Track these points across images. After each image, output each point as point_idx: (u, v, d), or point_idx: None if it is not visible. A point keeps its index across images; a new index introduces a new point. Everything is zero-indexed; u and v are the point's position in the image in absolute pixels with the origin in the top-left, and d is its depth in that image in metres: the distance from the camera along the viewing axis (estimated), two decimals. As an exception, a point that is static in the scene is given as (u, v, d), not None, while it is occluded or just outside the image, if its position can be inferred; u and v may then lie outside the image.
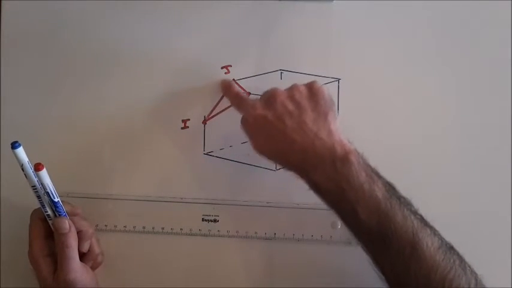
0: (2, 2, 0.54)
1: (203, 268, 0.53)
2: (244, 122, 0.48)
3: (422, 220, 0.43)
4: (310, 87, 0.47)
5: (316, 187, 0.45)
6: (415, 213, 0.43)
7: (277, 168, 0.53)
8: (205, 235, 0.53)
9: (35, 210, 0.48)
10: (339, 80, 0.54)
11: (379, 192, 0.43)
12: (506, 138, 0.54)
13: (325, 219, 0.52)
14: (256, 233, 0.53)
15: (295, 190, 0.53)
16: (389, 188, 0.44)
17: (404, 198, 0.44)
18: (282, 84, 0.50)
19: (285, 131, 0.44)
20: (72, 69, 0.54)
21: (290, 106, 0.45)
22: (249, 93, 0.54)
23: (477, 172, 0.53)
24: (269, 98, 0.46)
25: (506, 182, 0.53)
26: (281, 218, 0.53)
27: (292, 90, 0.47)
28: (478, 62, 0.54)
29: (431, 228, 0.43)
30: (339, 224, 0.52)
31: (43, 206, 0.46)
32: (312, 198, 0.52)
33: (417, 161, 0.53)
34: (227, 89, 0.52)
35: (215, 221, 0.53)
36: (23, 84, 0.54)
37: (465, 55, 0.54)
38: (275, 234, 0.53)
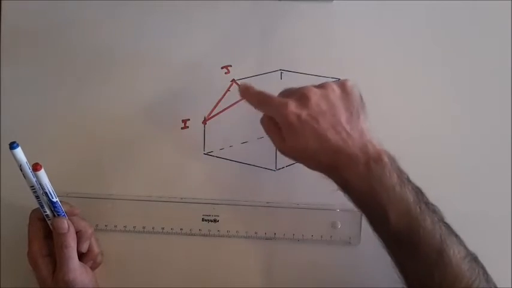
0: (2, 2, 0.54)
1: (203, 268, 0.53)
2: (268, 120, 0.46)
3: (449, 228, 0.43)
4: (343, 86, 0.46)
5: (348, 187, 0.44)
6: (442, 220, 0.43)
7: (277, 168, 0.53)
8: (205, 235, 0.53)
9: (34, 211, 0.47)
10: (339, 80, 0.54)
11: (410, 195, 0.42)
12: (506, 138, 0.54)
13: (325, 219, 0.52)
14: (256, 233, 0.53)
15: (295, 190, 0.53)
16: (419, 192, 0.43)
17: (432, 205, 0.43)
18: (282, 84, 0.50)
19: (318, 131, 0.43)
20: (72, 69, 0.54)
21: (324, 106, 0.44)
22: (249, 93, 0.54)
23: (477, 171, 0.53)
24: (302, 96, 0.45)
25: (506, 182, 0.53)
26: (281, 218, 0.53)
27: (325, 89, 0.45)
28: (478, 61, 0.54)
29: (457, 237, 0.43)
30: (339, 224, 0.52)
31: (42, 206, 0.46)
32: (312, 198, 0.52)
33: (417, 161, 0.53)
34: (246, 90, 0.49)
35: (215, 221, 0.53)
36: (23, 84, 0.54)
37: (465, 55, 0.54)
38: (275, 234, 0.53)
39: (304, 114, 0.44)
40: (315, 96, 0.44)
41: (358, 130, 0.44)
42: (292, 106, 0.44)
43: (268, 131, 0.47)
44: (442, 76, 0.54)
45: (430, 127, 0.54)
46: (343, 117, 0.44)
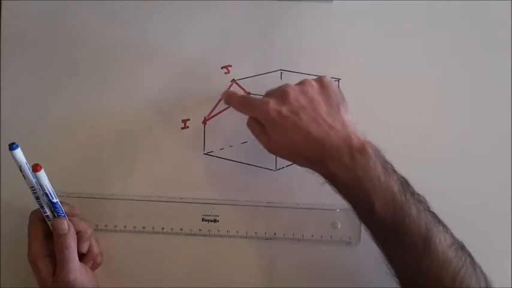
0: (2, 2, 0.54)
1: (203, 268, 0.53)
2: (253, 121, 0.48)
3: (435, 217, 0.43)
4: (321, 82, 0.47)
5: (333, 179, 0.44)
6: (428, 209, 0.43)
7: (277, 168, 0.53)
8: (205, 235, 0.53)
9: (34, 211, 0.47)
10: (339, 80, 0.54)
11: (395, 184, 0.43)
12: (505, 137, 0.54)
13: (325, 219, 0.52)
14: (256, 233, 0.53)
15: (295, 190, 0.53)
16: (404, 182, 0.44)
17: (418, 194, 0.44)
18: (282, 84, 0.50)
19: (300, 125, 0.44)
20: (72, 69, 0.54)
21: (303, 100, 0.45)
22: (249, 93, 0.54)
23: (476, 171, 0.53)
24: (282, 93, 0.46)
25: (506, 181, 0.53)
26: (281, 218, 0.53)
27: (304, 85, 0.47)
28: (478, 61, 0.54)
29: (443, 225, 0.43)
30: (339, 224, 0.52)
31: (42, 206, 0.46)
32: (312, 198, 0.52)
33: (417, 160, 0.53)
34: (230, 97, 0.51)
35: (215, 221, 0.53)
36: (22, 84, 0.54)
37: (465, 55, 0.54)
38: (275, 234, 0.53)
39: (284, 109, 0.45)
40: (294, 92, 0.46)
41: (340, 122, 0.45)
42: (272, 103, 0.45)
43: (253, 132, 0.48)
44: (442, 76, 0.54)
45: (430, 126, 0.54)
46: (323, 110, 0.45)
